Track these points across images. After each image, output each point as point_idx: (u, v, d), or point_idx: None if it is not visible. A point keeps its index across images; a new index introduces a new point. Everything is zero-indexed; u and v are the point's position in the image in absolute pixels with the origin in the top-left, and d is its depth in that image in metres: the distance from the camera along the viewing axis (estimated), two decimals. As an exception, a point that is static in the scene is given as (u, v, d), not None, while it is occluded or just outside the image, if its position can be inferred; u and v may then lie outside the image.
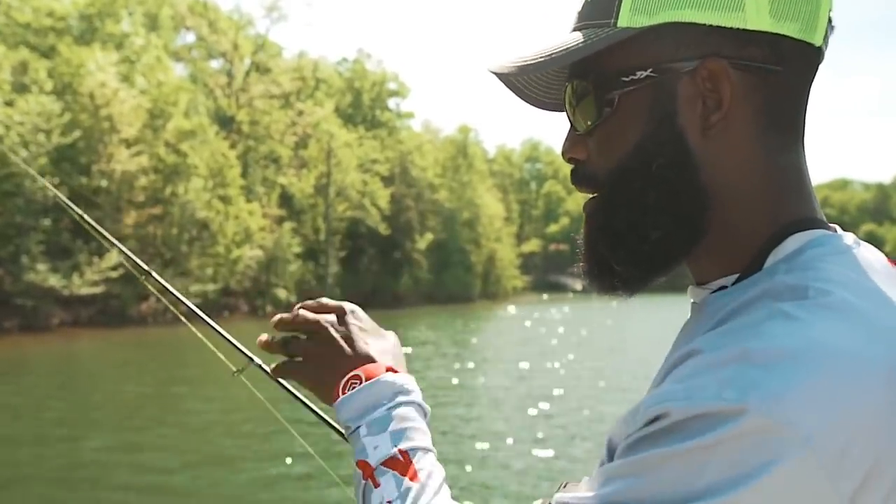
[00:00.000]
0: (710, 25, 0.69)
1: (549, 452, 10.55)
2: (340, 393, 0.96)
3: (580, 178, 0.79)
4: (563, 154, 0.80)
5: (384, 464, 0.89)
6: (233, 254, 36.87)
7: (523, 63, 0.75)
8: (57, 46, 32.15)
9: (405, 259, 51.74)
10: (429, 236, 53.86)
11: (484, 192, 62.46)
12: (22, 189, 26.56)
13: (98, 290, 28.49)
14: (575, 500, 0.65)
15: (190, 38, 47.06)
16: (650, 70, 0.71)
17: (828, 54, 0.74)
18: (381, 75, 59.33)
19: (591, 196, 0.79)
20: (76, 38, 34.49)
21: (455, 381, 16.97)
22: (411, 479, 0.88)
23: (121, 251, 1.83)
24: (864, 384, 0.58)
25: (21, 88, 28.71)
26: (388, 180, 51.10)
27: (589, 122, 0.76)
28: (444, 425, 12.24)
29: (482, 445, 10.93)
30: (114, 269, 28.27)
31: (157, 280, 1.59)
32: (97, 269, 28.29)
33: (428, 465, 0.90)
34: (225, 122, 43.65)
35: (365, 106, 57.35)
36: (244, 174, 41.37)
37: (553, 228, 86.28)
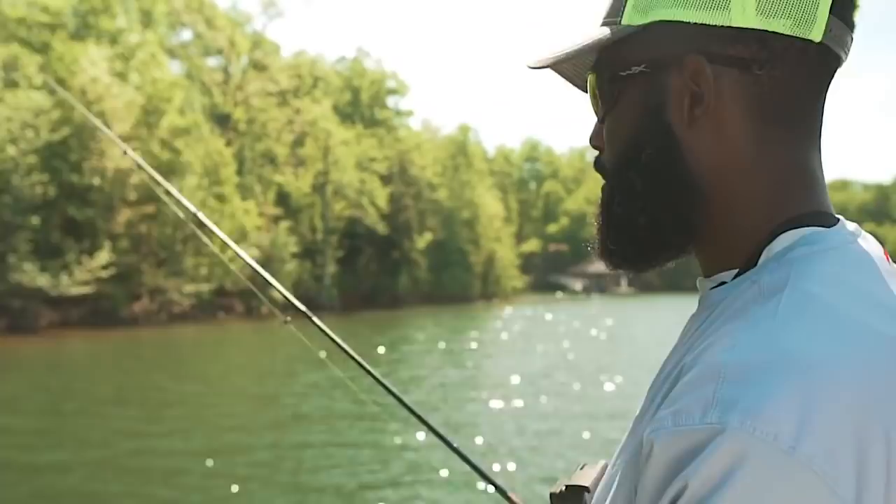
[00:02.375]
0: (698, 24, 0.73)
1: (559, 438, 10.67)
2: None
3: (598, 166, 0.85)
4: (589, 141, 0.86)
5: None
6: (228, 253, 36.23)
7: (549, 59, 0.81)
8: (51, 42, 31.63)
9: (404, 259, 51.20)
10: (428, 236, 53.35)
11: (483, 192, 61.95)
12: (10, 186, 25.96)
13: (88, 289, 27.87)
14: None
15: (186, 35, 46.57)
16: (643, 65, 0.76)
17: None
18: (380, 73, 58.83)
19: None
20: (71, 35, 34.00)
21: (456, 380, 16.50)
22: None
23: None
24: (835, 388, 0.60)
25: (12, 84, 28.16)
26: (386, 179, 50.57)
27: (602, 113, 0.82)
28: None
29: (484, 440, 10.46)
30: (104, 268, 27.70)
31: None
32: (87, 268, 27.68)
33: None
34: (221, 120, 43.11)
35: (363, 104, 56.83)
36: (240, 172, 40.80)
37: (553, 228, 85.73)
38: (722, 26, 0.72)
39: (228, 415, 13.46)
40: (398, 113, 60.35)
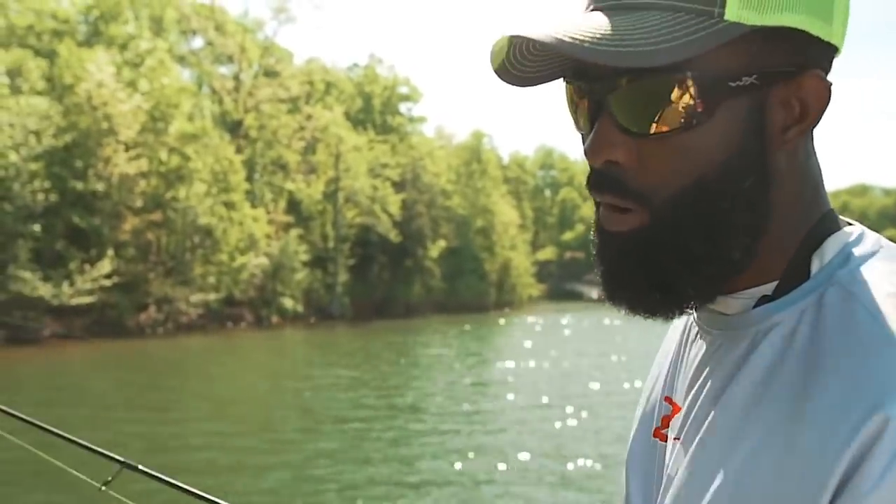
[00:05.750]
0: (811, 35, 0.63)
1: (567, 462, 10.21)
2: None
3: (613, 186, 0.66)
4: (593, 154, 0.66)
5: None
6: (237, 262, 35.57)
7: (598, 47, 0.59)
8: (58, 48, 31.12)
9: (417, 267, 50.36)
10: (441, 244, 52.51)
11: (498, 199, 61.11)
12: (11, 193, 25.32)
13: (92, 299, 27.13)
14: None
15: (197, 42, 46.09)
16: (754, 77, 0.62)
17: (847, 56, 0.75)
18: (393, 80, 58.17)
19: (617, 209, 0.67)
20: (81, 42, 33.52)
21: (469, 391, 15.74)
22: None
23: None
24: None
25: (16, 90, 27.63)
26: (399, 186, 49.77)
27: (665, 128, 0.63)
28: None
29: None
30: (108, 276, 26.97)
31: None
32: (90, 277, 26.98)
33: None
34: (232, 127, 42.54)
35: (376, 111, 56.16)
36: (251, 179, 40.16)
37: (568, 236, 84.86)
38: (825, 41, 0.64)
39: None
40: (411, 119, 59.64)
